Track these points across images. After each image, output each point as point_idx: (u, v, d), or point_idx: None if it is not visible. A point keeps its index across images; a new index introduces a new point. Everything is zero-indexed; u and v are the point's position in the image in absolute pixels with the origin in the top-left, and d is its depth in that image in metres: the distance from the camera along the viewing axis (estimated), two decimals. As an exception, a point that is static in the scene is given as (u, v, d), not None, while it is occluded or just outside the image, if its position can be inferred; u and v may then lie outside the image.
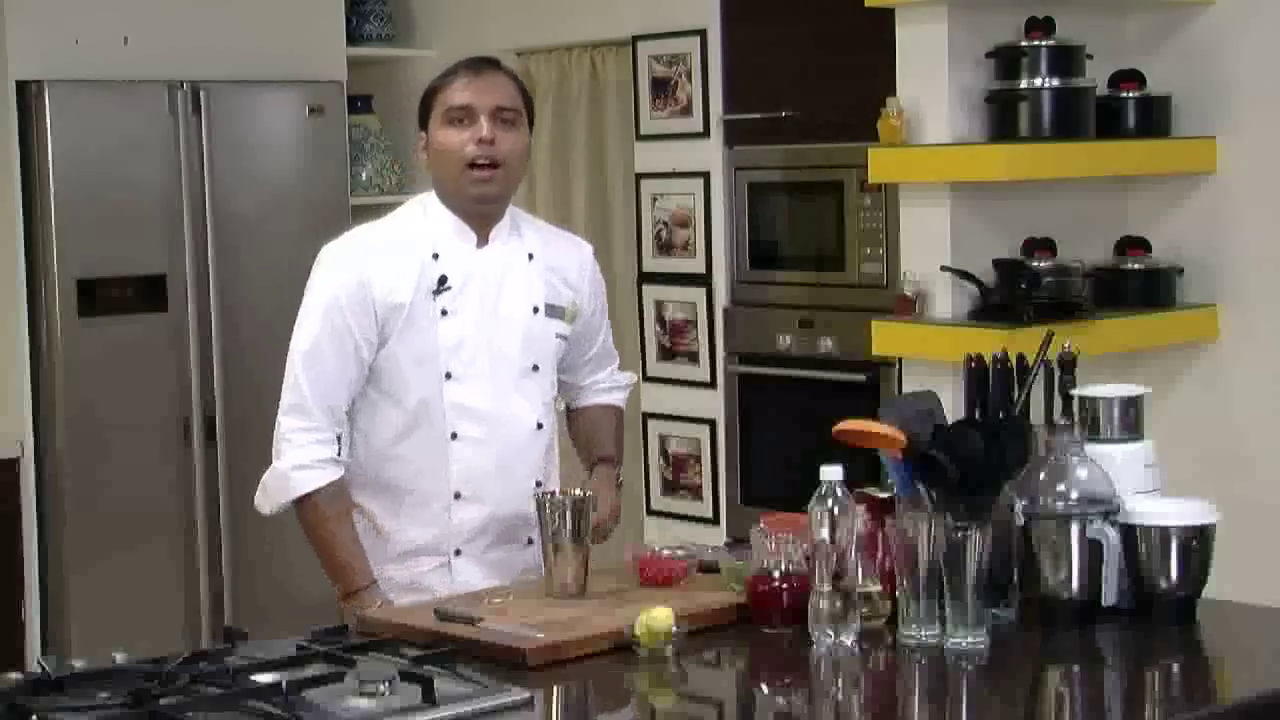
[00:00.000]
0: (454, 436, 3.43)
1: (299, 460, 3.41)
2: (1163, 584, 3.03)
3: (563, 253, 3.61)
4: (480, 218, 3.48)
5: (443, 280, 3.42)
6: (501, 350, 3.45)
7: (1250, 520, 4.32)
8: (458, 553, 3.46)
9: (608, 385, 3.77)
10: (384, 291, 3.39)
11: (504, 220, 3.51)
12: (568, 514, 3.20)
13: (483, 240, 3.48)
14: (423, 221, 3.48)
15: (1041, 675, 2.96)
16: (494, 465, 3.44)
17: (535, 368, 3.50)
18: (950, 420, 3.22)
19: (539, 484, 3.44)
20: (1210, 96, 4.97)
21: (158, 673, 2.65)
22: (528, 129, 3.50)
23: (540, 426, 3.50)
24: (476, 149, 3.40)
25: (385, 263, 3.42)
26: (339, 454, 3.43)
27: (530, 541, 3.46)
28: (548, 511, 3.21)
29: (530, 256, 3.52)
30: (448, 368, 3.42)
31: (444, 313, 3.41)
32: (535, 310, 3.50)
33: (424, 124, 3.51)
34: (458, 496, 3.44)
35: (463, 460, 3.44)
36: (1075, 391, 3.19)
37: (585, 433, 3.73)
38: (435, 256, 3.43)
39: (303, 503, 3.43)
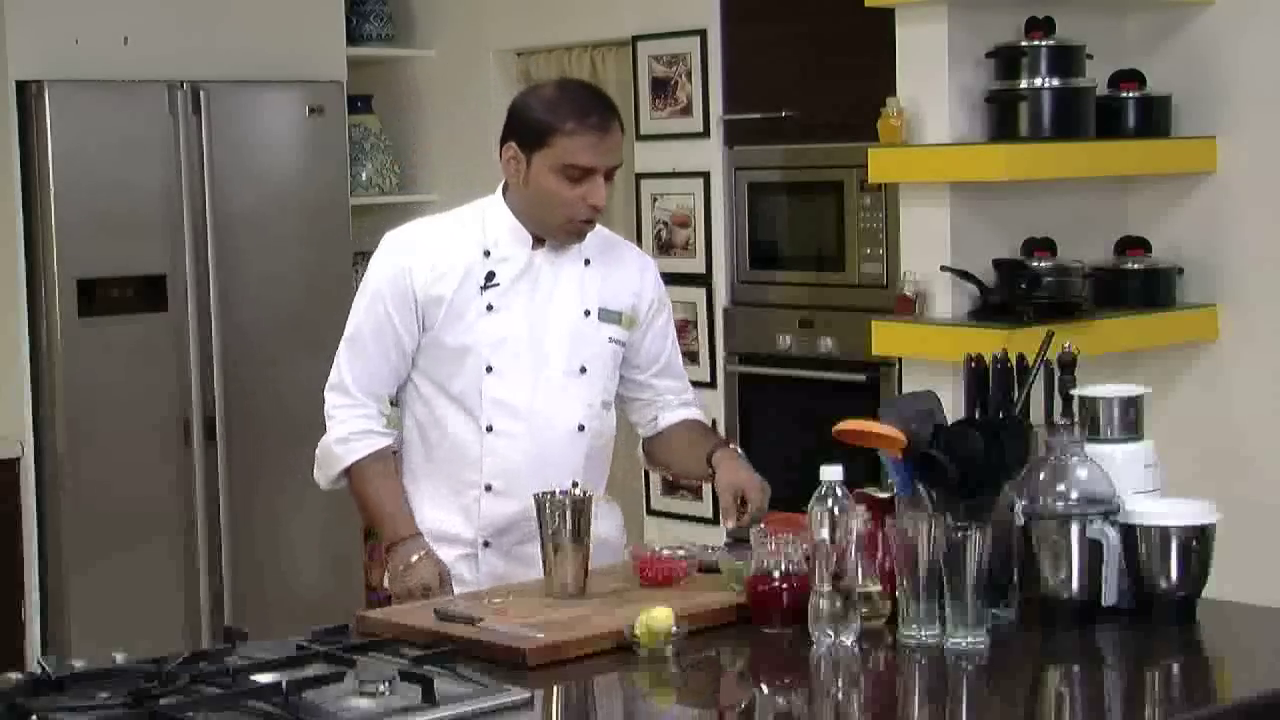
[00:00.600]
0: (489, 429, 3.46)
1: (341, 434, 3.51)
2: (1163, 584, 3.03)
3: (622, 260, 3.62)
4: None
5: (490, 276, 3.46)
6: (547, 350, 3.47)
7: (1250, 520, 4.31)
8: (486, 544, 3.49)
9: (678, 402, 3.69)
10: (424, 284, 3.45)
11: None
12: (567, 514, 3.20)
13: (539, 243, 3.49)
14: (480, 219, 3.51)
15: (1041, 675, 2.96)
16: (528, 461, 3.45)
17: (583, 370, 3.50)
18: (950, 420, 3.22)
19: (575, 484, 3.40)
20: (1210, 96, 4.97)
21: (158, 673, 2.65)
22: None
23: (582, 429, 3.51)
24: (588, 211, 3.41)
25: (431, 255, 3.47)
26: (384, 426, 3.51)
27: None
28: (547, 511, 3.21)
29: (587, 262, 3.54)
30: (489, 361, 3.45)
31: (489, 308, 3.44)
32: (587, 313, 3.51)
33: (519, 139, 3.41)
34: (489, 489, 3.47)
35: (496, 453, 3.47)
36: (1075, 391, 3.19)
37: (678, 446, 3.65)
38: (486, 254, 3.46)
39: (350, 472, 3.51)
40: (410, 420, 3.55)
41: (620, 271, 3.59)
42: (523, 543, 3.45)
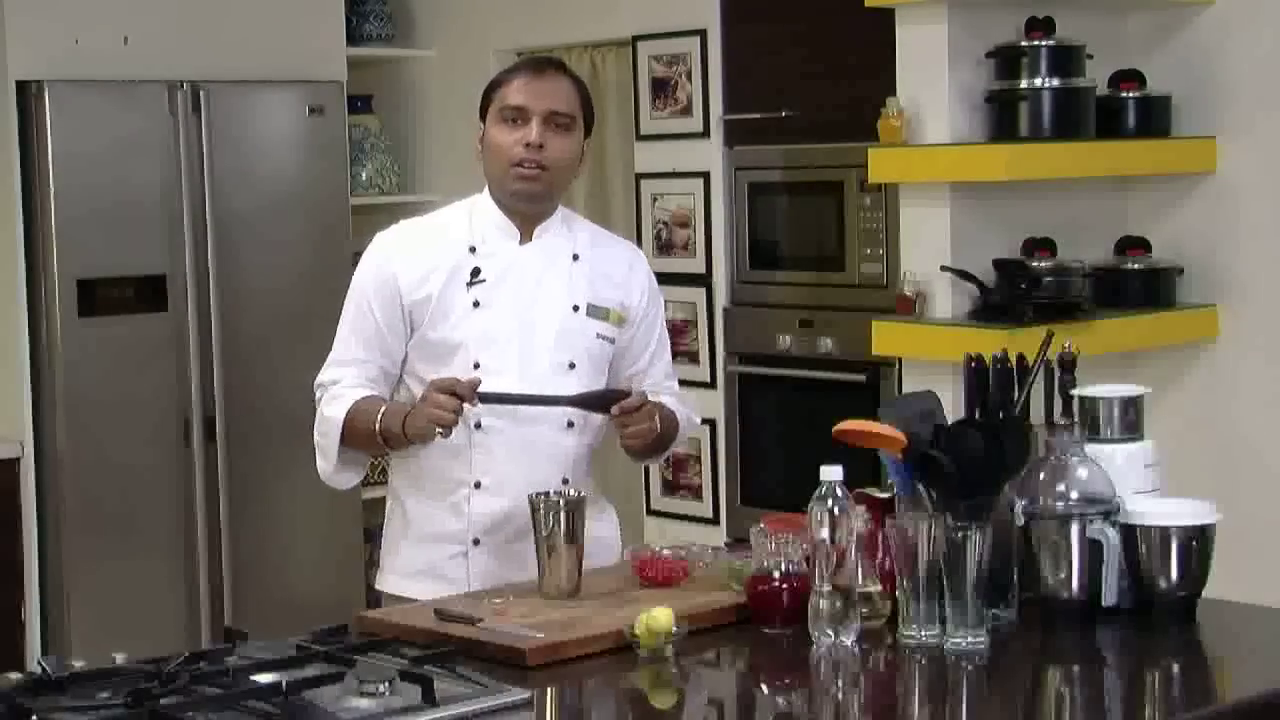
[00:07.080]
0: (478, 426, 3.43)
1: (332, 397, 3.46)
2: (1163, 584, 3.03)
3: (613, 256, 3.60)
4: (525, 216, 3.50)
5: (475, 272, 3.45)
6: (534, 345, 3.45)
7: (1250, 520, 4.32)
8: (476, 542, 3.46)
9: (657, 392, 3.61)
10: (410, 285, 3.45)
11: (553, 219, 3.53)
12: (561, 515, 3.20)
13: (526, 237, 3.49)
14: (467, 216, 3.52)
15: (1041, 675, 2.96)
16: (516, 458, 3.44)
17: (571, 365, 3.47)
18: (950, 420, 3.22)
19: (565, 481, 3.42)
20: (1210, 96, 4.97)
21: (158, 673, 2.65)
22: (583, 133, 3.50)
23: (571, 425, 3.47)
24: (524, 151, 3.41)
25: (415, 255, 3.47)
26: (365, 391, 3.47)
27: None
28: (541, 512, 3.21)
29: (575, 257, 3.52)
30: (476, 358, 3.43)
31: (476, 304, 3.43)
32: (575, 309, 3.49)
33: (481, 114, 3.52)
34: (478, 486, 3.45)
35: (485, 450, 3.44)
36: (1075, 391, 3.19)
37: None
38: (472, 250, 3.46)
39: (346, 422, 3.43)
40: None
41: (609, 267, 3.57)
42: (513, 541, 3.43)
